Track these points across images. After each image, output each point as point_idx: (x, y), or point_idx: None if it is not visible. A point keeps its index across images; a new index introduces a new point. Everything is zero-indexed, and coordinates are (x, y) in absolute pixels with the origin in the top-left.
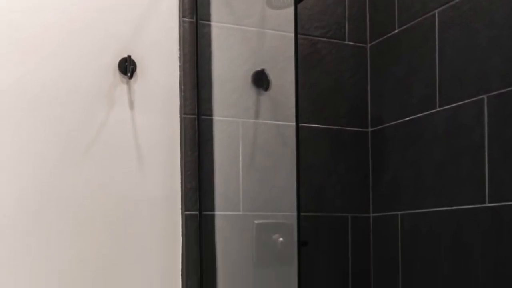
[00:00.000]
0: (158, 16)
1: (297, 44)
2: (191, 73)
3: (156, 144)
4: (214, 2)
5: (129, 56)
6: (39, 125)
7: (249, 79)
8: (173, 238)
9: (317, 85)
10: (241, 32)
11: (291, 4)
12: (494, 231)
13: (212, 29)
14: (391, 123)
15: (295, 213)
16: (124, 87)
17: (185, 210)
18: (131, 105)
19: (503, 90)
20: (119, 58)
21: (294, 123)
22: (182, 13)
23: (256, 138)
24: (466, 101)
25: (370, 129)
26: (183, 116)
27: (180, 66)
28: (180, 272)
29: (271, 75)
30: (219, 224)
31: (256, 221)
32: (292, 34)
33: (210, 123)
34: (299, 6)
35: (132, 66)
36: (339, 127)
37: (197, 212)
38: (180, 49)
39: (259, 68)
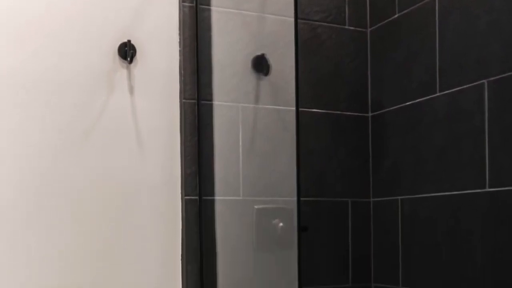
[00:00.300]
0: (158, 1)
1: (297, 29)
2: (191, 58)
3: (156, 129)
4: None
5: (129, 41)
6: (38, 111)
7: (249, 64)
8: (173, 223)
9: (317, 70)
10: (241, 17)
11: None
12: (494, 216)
13: (212, 13)
14: (391, 108)
15: (295, 198)
16: (124, 72)
17: (185, 195)
18: (131, 90)
19: (503, 75)
20: (119, 43)
21: (294, 108)
22: None
23: (256, 123)
24: (466, 86)
25: (370, 114)
26: (183, 101)
27: (180, 50)
28: (180, 257)
29: (271, 59)
30: (219, 209)
31: (256, 206)
32: (292, 19)
33: (210, 108)
34: None
35: (132, 51)
36: (339, 112)
37: (197, 197)
38: (180, 34)
39: (259, 53)
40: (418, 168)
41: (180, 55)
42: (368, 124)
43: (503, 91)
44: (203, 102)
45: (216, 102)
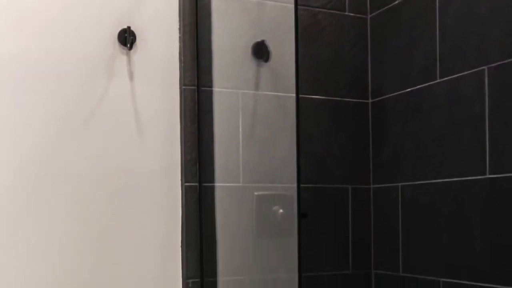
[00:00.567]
0: None
1: (297, 15)
2: (191, 44)
3: (155, 116)
4: None
5: (129, 27)
6: (38, 97)
7: (249, 50)
8: (173, 210)
9: (317, 56)
10: (241, 3)
11: None
12: (494, 202)
13: (212, 0)
14: (392, 94)
15: (295, 185)
16: (124, 58)
17: (185, 182)
18: (131, 76)
19: (503, 61)
20: (119, 29)
21: (294, 94)
22: None
23: (256, 109)
24: (466, 72)
25: (370, 101)
26: (183, 87)
27: (180, 37)
28: (180, 244)
29: (271, 46)
30: (219, 195)
31: (256, 193)
32: (292, 5)
33: (210, 94)
34: None
35: (131, 37)
36: (339, 98)
37: (197, 184)
38: (180, 20)
39: (259, 39)
40: (418, 155)
41: (180, 42)
42: (368, 111)
43: (503, 78)
44: (203, 88)
45: (216, 89)
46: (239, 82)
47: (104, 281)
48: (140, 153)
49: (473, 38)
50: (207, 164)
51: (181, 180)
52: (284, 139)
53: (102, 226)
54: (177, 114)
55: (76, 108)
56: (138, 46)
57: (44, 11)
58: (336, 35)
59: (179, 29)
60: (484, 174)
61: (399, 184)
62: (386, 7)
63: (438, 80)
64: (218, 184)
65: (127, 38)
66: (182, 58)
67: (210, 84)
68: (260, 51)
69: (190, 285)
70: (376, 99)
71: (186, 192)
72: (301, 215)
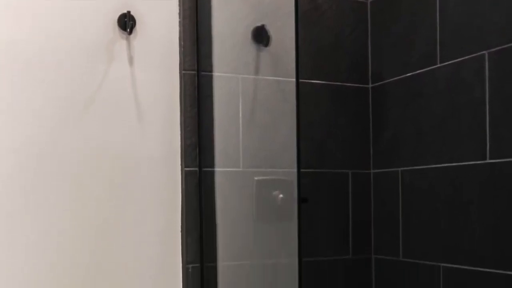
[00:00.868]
0: None
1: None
2: (191, 29)
3: (155, 101)
4: None
5: (129, 12)
6: (38, 83)
7: (249, 35)
8: (173, 194)
9: (317, 41)
10: None
11: None
12: (494, 187)
13: None
14: (392, 79)
15: (295, 170)
16: (124, 43)
17: (185, 167)
18: (131, 61)
19: (504, 46)
20: (119, 14)
21: (294, 79)
22: None
23: (256, 94)
24: (466, 57)
25: (370, 85)
26: (183, 72)
27: (179, 21)
28: (180, 229)
29: (271, 30)
30: (219, 180)
31: (256, 178)
32: None
33: (210, 79)
34: None
35: (131, 22)
36: (340, 83)
37: (196, 169)
38: (179, 5)
39: (259, 24)
40: (418, 140)
41: (180, 26)
42: (369, 95)
43: (503, 62)
44: (203, 73)
45: (216, 73)
46: (239, 67)
47: (104, 267)
48: (140, 138)
49: (473, 22)
50: (207, 149)
51: (181, 165)
52: (284, 123)
53: (101, 211)
54: (177, 99)
55: (75, 93)
56: (138, 30)
57: None
58: (336, 20)
59: (179, 13)
60: (484, 159)
61: (399, 169)
62: None
63: (439, 65)
64: (218, 169)
65: (127, 22)
66: (182, 42)
67: (210, 68)
68: (260, 36)
69: (190, 270)
70: (376, 83)
71: (186, 177)
72: (301, 200)
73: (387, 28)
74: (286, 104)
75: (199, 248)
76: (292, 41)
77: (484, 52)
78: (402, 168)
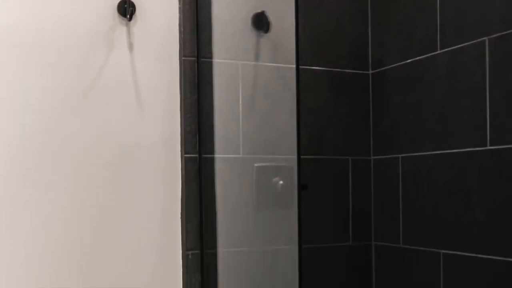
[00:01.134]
0: None
1: None
2: (191, 15)
3: (155, 87)
4: None
5: None
6: (37, 69)
7: (249, 21)
8: (173, 181)
9: (317, 27)
10: None
11: None
12: (495, 174)
13: None
14: (392, 66)
15: (295, 156)
16: (123, 29)
17: (185, 153)
18: (130, 47)
19: (504, 32)
20: (118, 0)
21: (294, 65)
22: None
23: (256, 80)
24: (467, 43)
25: (370, 72)
26: (183, 58)
27: (179, 8)
28: (179, 216)
29: (271, 17)
30: (219, 167)
31: (256, 164)
32: None
33: (209, 65)
34: None
35: (131, 8)
36: (340, 69)
37: (196, 155)
38: None
39: (259, 10)
40: (418, 126)
41: (179, 12)
42: (369, 82)
43: (504, 49)
44: (203, 59)
45: (216, 60)
46: (239, 53)
47: (104, 254)
48: (140, 124)
49: (473, 9)
50: (207, 136)
51: (181, 151)
52: (284, 110)
53: (101, 197)
54: (177, 86)
55: (75, 79)
56: (138, 17)
57: None
58: (336, 6)
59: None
60: (485, 145)
61: (400, 155)
62: None
63: (439, 51)
64: (218, 156)
65: (126, 9)
66: (182, 29)
67: (210, 55)
68: (260, 22)
69: (189, 257)
70: (377, 70)
71: (186, 164)
72: (301, 187)
73: (388, 14)
74: (286, 90)
75: (199, 235)
76: (292, 27)
77: (484, 38)
78: (402, 155)
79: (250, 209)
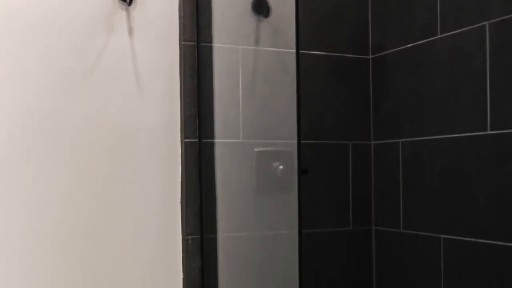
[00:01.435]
0: None
1: None
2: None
3: (155, 72)
4: None
5: None
6: (37, 52)
7: (249, 6)
8: (173, 166)
9: (317, 12)
10: None
11: None
12: (495, 158)
13: None
14: (392, 50)
15: (295, 141)
16: (123, 14)
17: (185, 138)
18: (130, 32)
19: (504, 17)
20: None
21: (294, 50)
22: None
23: (256, 65)
24: (467, 28)
25: (371, 56)
26: (183, 43)
27: None
28: (179, 200)
29: (271, 1)
30: (219, 151)
31: (256, 149)
32: None
33: (209, 50)
34: None
35: None
36: (340, 54)
37: (196, 140)
38: None
39: None
40: (419, 111)
41: None
42: (369, 66)
43: (504, 33)
44: (202, 44)
45: (216, 44)
46: (239, 38)
47: (103, 238)
48: (140, 109)
49: None
50: (207, 120)
51: (181, 136)
52: (284, 95)
53: (101, 182)
54: (176, 70)
55: (75, 63)
56: (138, 1)
57: None
58: None
59: None
60: (485, 130)
61: (400, 140)
62: None
63: (439, 36)
64: (218, 140)
65: None
66: (182, 13)
67: (209, 39)
68: (260, 7)
69: (189, 242)
70: (377, 54)
71: (186, 148)
72: (302, 172)
73: None
74: (286, 75)
75: (199, 220)
76: (292, 11)
77: (485, 23)
78: (402, 139)
79: (250, 193)
